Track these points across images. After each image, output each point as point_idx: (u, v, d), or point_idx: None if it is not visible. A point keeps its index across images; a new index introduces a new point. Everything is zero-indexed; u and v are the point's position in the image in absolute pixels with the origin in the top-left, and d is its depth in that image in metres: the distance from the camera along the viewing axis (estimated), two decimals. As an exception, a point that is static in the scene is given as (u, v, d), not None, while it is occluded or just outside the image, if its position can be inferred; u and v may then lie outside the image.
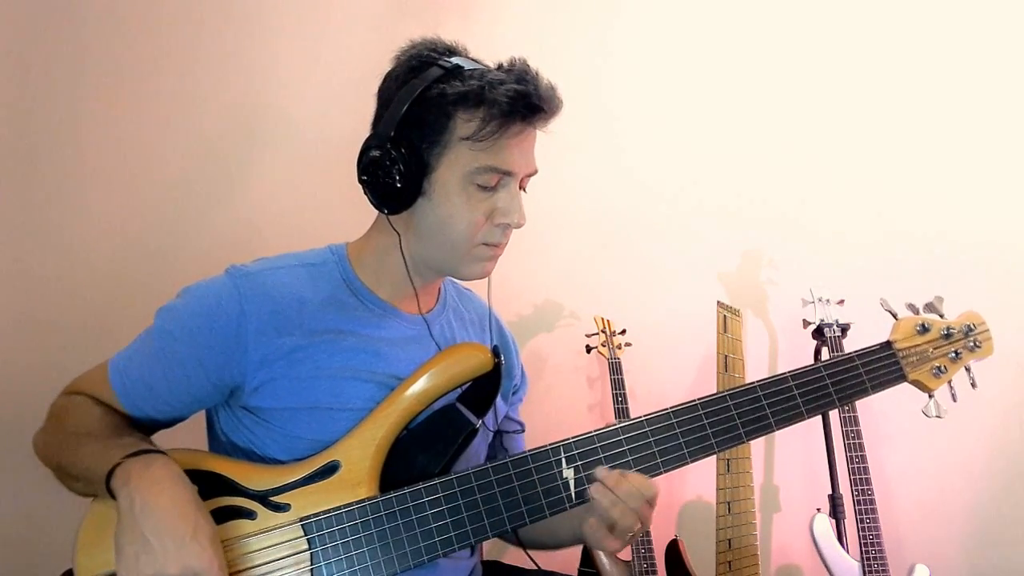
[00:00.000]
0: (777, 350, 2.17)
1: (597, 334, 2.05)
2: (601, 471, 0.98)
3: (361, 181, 1.01)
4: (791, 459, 2.14)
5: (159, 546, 0.84)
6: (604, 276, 2.17)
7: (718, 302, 1.96)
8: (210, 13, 1.89)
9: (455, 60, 1.00)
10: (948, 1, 2.13)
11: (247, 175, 1.91)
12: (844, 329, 1.87)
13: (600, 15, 2.18)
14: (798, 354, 2.04)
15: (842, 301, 1.89)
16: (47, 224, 1.75)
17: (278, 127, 1.92)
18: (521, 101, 0.97)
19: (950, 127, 2.12)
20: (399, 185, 0.99)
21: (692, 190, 2.18)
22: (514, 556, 1.25)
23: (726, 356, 1.92)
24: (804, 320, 1.89)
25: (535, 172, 1.06)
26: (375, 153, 0.99)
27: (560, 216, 2.14)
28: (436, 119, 0.99)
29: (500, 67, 1.01)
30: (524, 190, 1.07)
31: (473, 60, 1.03)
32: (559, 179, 2.11)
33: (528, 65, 1.01)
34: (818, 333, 1.89)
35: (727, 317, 1.95)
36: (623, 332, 2.05)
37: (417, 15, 2.03)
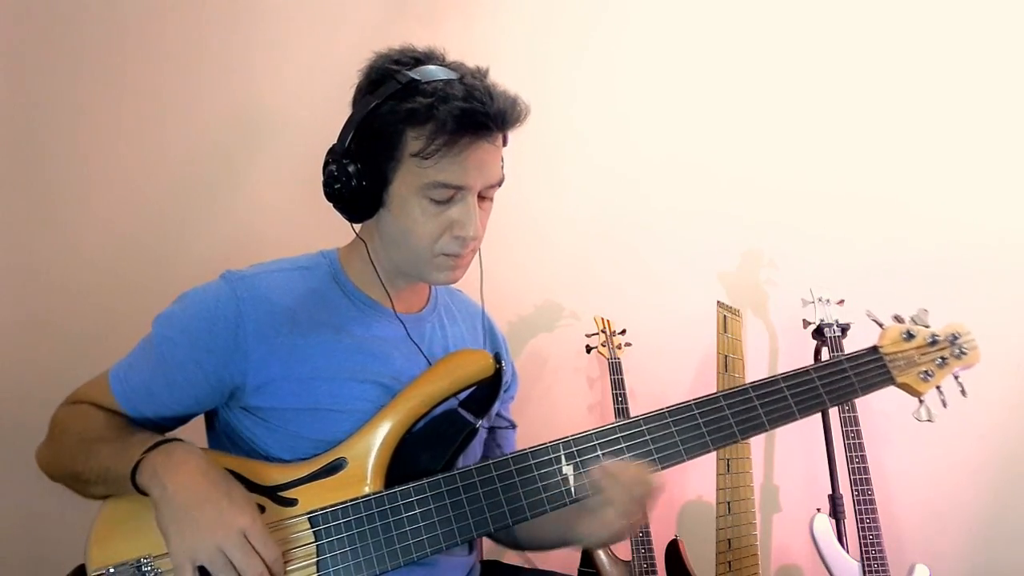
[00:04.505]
0: (777, 350, 2.18)
1: (597, 334, 2.05)
2: (609, 465, 1.00)
3: (325, 194, 1.04)
4: (791, 459, 2.14)
5: (201, 517, 0.88)
6: (604, 276, 2.18)
7: (718, 302, 1.96)
8: (211, 14, 1.89)
9: (414, 73, 0.99)
10: (947, 2, 2.13)
11: (249, 177, 1.92)
12: (844, 329, 1.87)
13: (601, 14, 2.18)
14: (798, 354, 2.04)
15: (842, 301, 1.89)
16: (48, 225, 1.75)
17: (279, 129, 1.93)
18: (467, 119, 0.97)
19: (950, 127, 2.12)
20: (356, 197, 1.02)
21: (692, 190, 2.18)
22: (514, 555, 1.26)
23: (726, 356, 1.93)
24: (804, 320, 1.89)
25: (497, 182, 1.06)
26: (332, 167, 1.02)
27: (560, 216, 2.15)
28: (389, 135, 1.00)
29: (463, 78, 1.00)
30: (491, 199, 1.07)
31: (444, 67, 1.02)
32: (559, 179, 2.12)
33: (483, 78, 1.02)
34: (818, 333, 1.90)
35: (727, 317, 1.95)
36: (623, 332, 2.05)
37: (419, 15, 2.03)
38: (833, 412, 1.89)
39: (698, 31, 2.19)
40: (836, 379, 1.10)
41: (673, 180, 2.19)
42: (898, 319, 1.18)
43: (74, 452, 1.01)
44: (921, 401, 1.15)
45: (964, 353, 1.16)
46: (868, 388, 1.12)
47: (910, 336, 1.15)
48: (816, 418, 1.94)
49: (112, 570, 0.92)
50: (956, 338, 1.17)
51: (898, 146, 2.14)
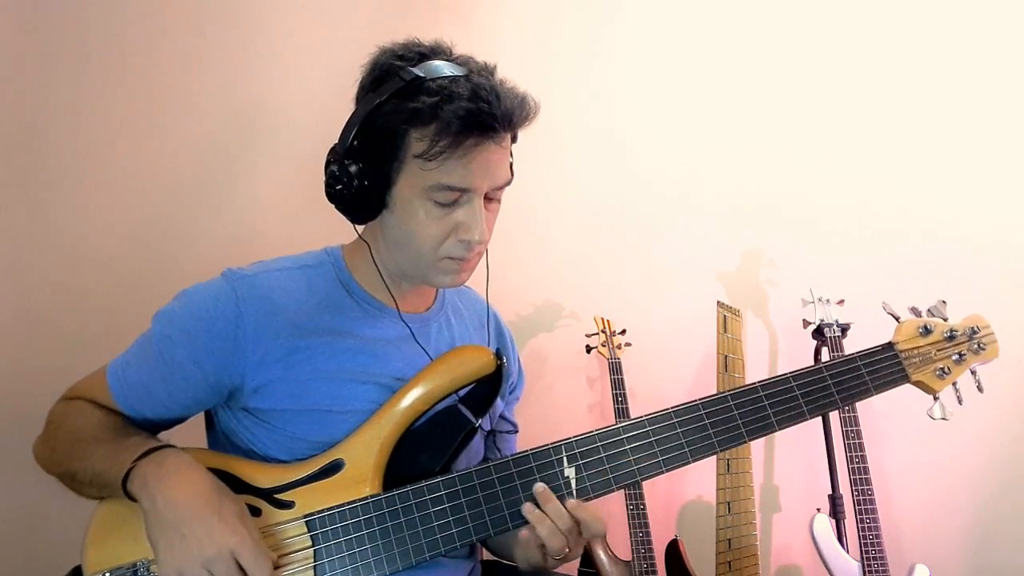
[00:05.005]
0: (777, 350, 2.18)
1: (597, 334, 2.05)
2: (538, 487, 0.98)
3: (327, 194, 1.02)
4: (791, 459, 2.14)
5: (190, 534, 0.86)
6: (604, 276, 2.17)
7: (718, 302, 1.96)
8: (212, 13, 1.89)
9: (418, 70, 0.96)
10: (949, 1, 2.13)
11: (249, 176, 1.91)
12: (844, 329, 1.87)
13: (601, 14, 2.18)
14: (798, 354, 2.04)
15: (842, 301, 1.89)
16: (48, 225, 1.75)
17: (280, 128, 1.92)
18: (472, 120, 0.94)
19: (950, 126, 2.12)
20: (358, 199, 1.00)
21: (692, 190, 2.18)
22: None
23: (726, 356, 1.93)
24: (804, 320, 1.89)
25: (504, 184, 1.03)
26: (333, 167, 1.00)
27: (560, 216, 2.15)
28: (392, 135, 0.97)
29: (469, 76, 0.97)
30: (498, 200, 1.05)
31: (450, 62, 0.99)
32: (559, 179, 2.12)
33: (490, 77, 0.99)
34: (818, 333, 1.89)
35: (727, 317, 1.95)
36: (623, 332, 2.05)
37: (419, 14, 2.03)
38: (833, 412, 1.89)
39: (699, 32, 2.19)
40: (849, 378, 1.07)
41: (673, 180, 2.18)
42: (915, 312, 1.14)
43: (68, 451, 1.00)
44: (935, 399, 1.11)
45: (983, 348, 1.11)
46: (881, 387, 1.08)
47: (927, 331, 1.10)
48: (816, 418, 1.94)
49: (108, 574, 0.91)
50: (975, 332, 1.11)
51: (898, 146, 2.14)
